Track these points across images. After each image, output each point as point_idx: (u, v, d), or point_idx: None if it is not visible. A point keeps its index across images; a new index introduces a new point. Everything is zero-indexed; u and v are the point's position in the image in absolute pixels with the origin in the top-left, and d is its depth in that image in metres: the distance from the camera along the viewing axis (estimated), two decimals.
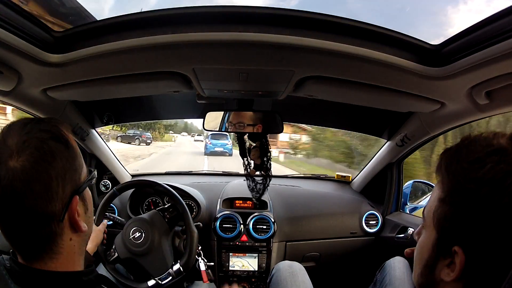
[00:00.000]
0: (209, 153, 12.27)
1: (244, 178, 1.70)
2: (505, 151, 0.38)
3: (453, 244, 0.39)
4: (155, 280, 0.99)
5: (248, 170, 1.24)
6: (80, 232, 0.48)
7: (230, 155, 12.10)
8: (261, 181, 1.25)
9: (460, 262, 0.38)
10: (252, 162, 1.22)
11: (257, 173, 1.24)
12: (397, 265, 1.05)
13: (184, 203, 1.08)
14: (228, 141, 12.34)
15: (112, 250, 1.06)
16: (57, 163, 0.44)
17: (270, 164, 1.22)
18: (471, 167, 0.38)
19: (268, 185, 1.25)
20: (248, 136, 1.20)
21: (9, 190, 0.42)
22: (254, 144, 1.20)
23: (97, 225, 1.07)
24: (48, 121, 0.47)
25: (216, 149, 12.28)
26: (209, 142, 12.60)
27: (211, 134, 12.53)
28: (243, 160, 1.24)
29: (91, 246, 1.01)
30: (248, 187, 1.28)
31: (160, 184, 1.11)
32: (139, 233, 1.02)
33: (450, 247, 0.40)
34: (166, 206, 1.12)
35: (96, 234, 1.04)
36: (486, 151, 0.38)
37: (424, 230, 0.46)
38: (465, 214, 0.38)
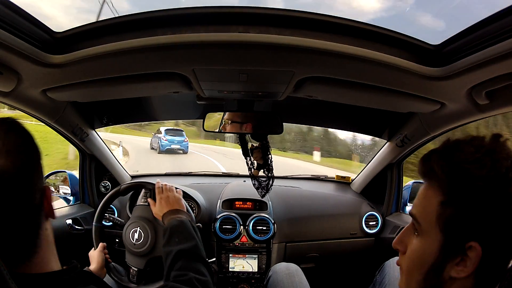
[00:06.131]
0: (165, 151, 10.82)
1: (244, 179, 1.71)
2: (495, 150, 0.42)
3: (466, 241, 0.42)
4: None
5: (252, 170, 1.24)
6: (51, 218, 0.49)
7: (186, 153, 11.31)
8: (265, 181, 1.25)
9: (477, 256, 0.41)
10: (255, 162, 1.22)
11: (261, 172, 1.23)
12: (396, 265, 1.05)
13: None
14: (185, 138, 11.41)
15: (128, 269, 1.03)
16: (38, 159, 0.46)
17: (272, 165, 1.22)
18: (473, 167, 0.41)
19: (272, 185, 1.24)
20: (250, 136, 1.20)
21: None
22: (256, 145, 1.20)
23: (95, 247, 1.06)
24: (13, 119, 0.47)
25: (173, 146, 11.06)
26: (164, 139, 11.07)
27: (165, 130, 11.21)
28: (246, 159, 1.23)
29: (95, 267, 0.99)
30: (254, 185, 1.28)
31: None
32: (137, 233, 1.00)
33: (462, 245, 0.42)
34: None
35: (96, 255, 1.03)
36: (482, 152, 0.42)
37: (416, 238, 0.47)
38: (477, 210, 0.41)
